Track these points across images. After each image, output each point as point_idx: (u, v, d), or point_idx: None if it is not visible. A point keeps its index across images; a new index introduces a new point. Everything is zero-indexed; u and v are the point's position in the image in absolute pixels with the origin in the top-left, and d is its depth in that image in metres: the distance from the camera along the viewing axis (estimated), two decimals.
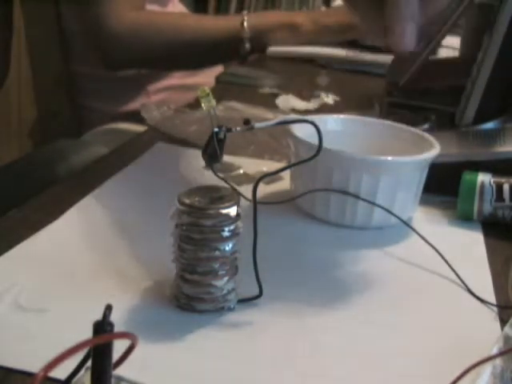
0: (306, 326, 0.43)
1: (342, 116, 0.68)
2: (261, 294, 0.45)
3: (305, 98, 1.01)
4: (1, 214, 0.54)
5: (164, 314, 0.43)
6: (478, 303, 0.48)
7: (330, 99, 1.03)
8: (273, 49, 1.35)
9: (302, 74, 1.27)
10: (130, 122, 1.15)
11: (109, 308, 0.25)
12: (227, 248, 0.42)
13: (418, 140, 0.62)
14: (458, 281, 0.50)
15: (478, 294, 0.48)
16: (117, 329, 0.25)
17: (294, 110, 0.95)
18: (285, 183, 0.64)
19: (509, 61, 0.68)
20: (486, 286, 0.50)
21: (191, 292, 0.42)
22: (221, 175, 0.47)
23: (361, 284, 0.50)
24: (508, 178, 0.59)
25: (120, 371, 0.27)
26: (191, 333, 0.41)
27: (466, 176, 0.61)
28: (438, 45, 0.89)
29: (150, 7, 1.18)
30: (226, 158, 0.65)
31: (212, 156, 0.43)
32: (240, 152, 0.74)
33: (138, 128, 0.93)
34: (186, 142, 0.76)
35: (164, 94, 1.24)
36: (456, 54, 1.15)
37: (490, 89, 0.69)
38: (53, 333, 0.39)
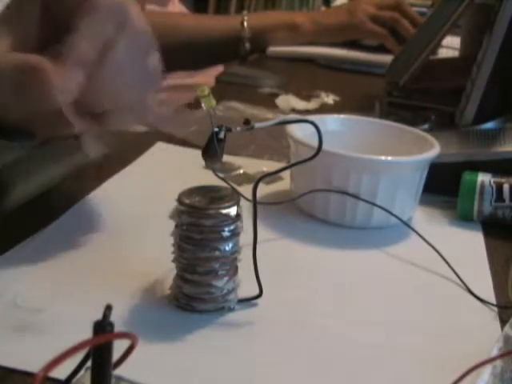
0: (306, 325, 0.43)
1: (342, 116, 0.68)
2: (261, 294, 0.45)
3: (305, 97, 1.01)
4: (1, 214, 0.54)
5: (164, 314, 0.43)
6: (478, 303, 0.48)
7: (329, 99, 1.03)
8: (273, 49, 1.35)
9: (302, 74, 1.27)
10: None
11: (109, 308, 0.25)
12: (227, 248, 0.42)
13: (418, 140, 0.62)
14: (458, 281, 0.50)
15: (478, 294, 0.48)
16: (117, 329, 0.25)
17: (294, 110, 0.95)
18: (285, 183, 0.64)
19: (509, 61, 0.68)
20: (486, 286, 0.50)
21: (191, 292, 0.42)
22: (221, 175, 0.47)
23: (361, 284, 0.49)
24: (508, 178, 0.59)
25: (120, 371, 0.27)
26: (191, 333, 0.41)
27: (466, 176, 0.61)
28: (438, 45, 0.89)
29: (150, 7, 1.18)
30: (226, 158, 0.65)
31: (212, 156, 0.43)
32: (240, 152, 0.74)
33: (138, 128, 0.93)
34: (185, 142, 0.76)
35: (164, 94, 1.24)
36: (456, 54, 1.16)
37: (489, 89, 0.69)
38: (53, 333, 0.39)
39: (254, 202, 0.43)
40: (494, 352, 0.38)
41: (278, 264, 0.51)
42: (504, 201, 0.59)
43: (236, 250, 0.43)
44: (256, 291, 0.44)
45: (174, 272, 0.43)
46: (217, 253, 0.41)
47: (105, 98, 0.46)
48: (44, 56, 0.43)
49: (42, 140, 0.51)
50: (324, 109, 0.97)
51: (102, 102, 0.46)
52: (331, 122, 0.66)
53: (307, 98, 1.01)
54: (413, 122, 0.69)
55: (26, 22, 0.45)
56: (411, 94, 0.88)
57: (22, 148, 0.50)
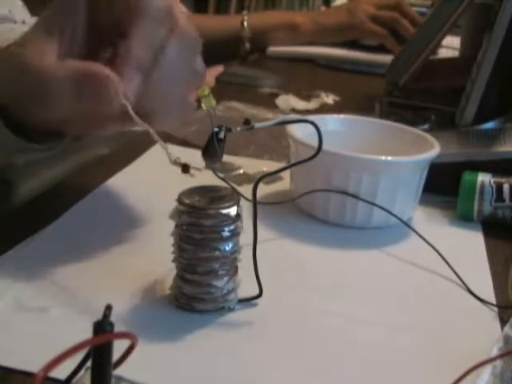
0: (306, 326, 0.43)
1: (342, 116, 0.68)
2: (261, 294, 0.45)
3: (305, 97, 1.01)
4: (1, 214, 0.54)
5: (164, 314, 0.43)
6: (478, 303, 0.48)
7: (329, 99, 1.03)
8: (273, 49, 1.35)
9: (302, 74, 1.27)
10: None
11: (109, 308, 0.25)
12: (227, 248, 0.42)
13: (418, 140, 0.62)
14: (458, 281, 0.50)
15: (478, 294, 0.48)
16: (117, 329, 0.25)
17: (294, 110, 0.95)
18: (285, 183, 0.64)
19: (509, 61, 0.69)
20: (486, 286, 0.50)
21: (191, 292, 0.42)
22: (221, 175, 0.47)
23: (360, 284, 0.49)
24: (508, 178, 0.59)
25: (120, 371, 0.27)
26: (191, 333, 0.41)
27: (466, 176, 0.61)
28: (438, 45, 0.89)
29: None
30: (226, 158, 0.65)
31: (212, 156, 0.43)
32: (240, 152, 0.74)
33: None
34: (186, 142, 0.76)
35: None
36: (456, 54, 1.16)
37: (489, 89, 0.69)
38: (53, 333, 0.39)
39: (254, 202, 0.43)
40: (494, 352, 0.38)
41: (278, 264, 0.51)
42: (504, 201, 0.59)
43: (236, 250, 0.43)
44: (256, 291, 0.44)
45: (174, 272, 0.43)
46: (217, 253, 0.41)
47: (154, 98, 0.46)
48: (98, 62, 0.44)
49: (71, 139, 0.52)
50: (324, 109, 0.97)
51: (151, 102, 0.46)
52: (331, 122, 0.66)
53: (307, 97, 1.01)
54: (413, 122, 0.69)
55: (71, 28, 0.45)
56: (411, 94, 0.88)
57: (50, 150, 0.50)
